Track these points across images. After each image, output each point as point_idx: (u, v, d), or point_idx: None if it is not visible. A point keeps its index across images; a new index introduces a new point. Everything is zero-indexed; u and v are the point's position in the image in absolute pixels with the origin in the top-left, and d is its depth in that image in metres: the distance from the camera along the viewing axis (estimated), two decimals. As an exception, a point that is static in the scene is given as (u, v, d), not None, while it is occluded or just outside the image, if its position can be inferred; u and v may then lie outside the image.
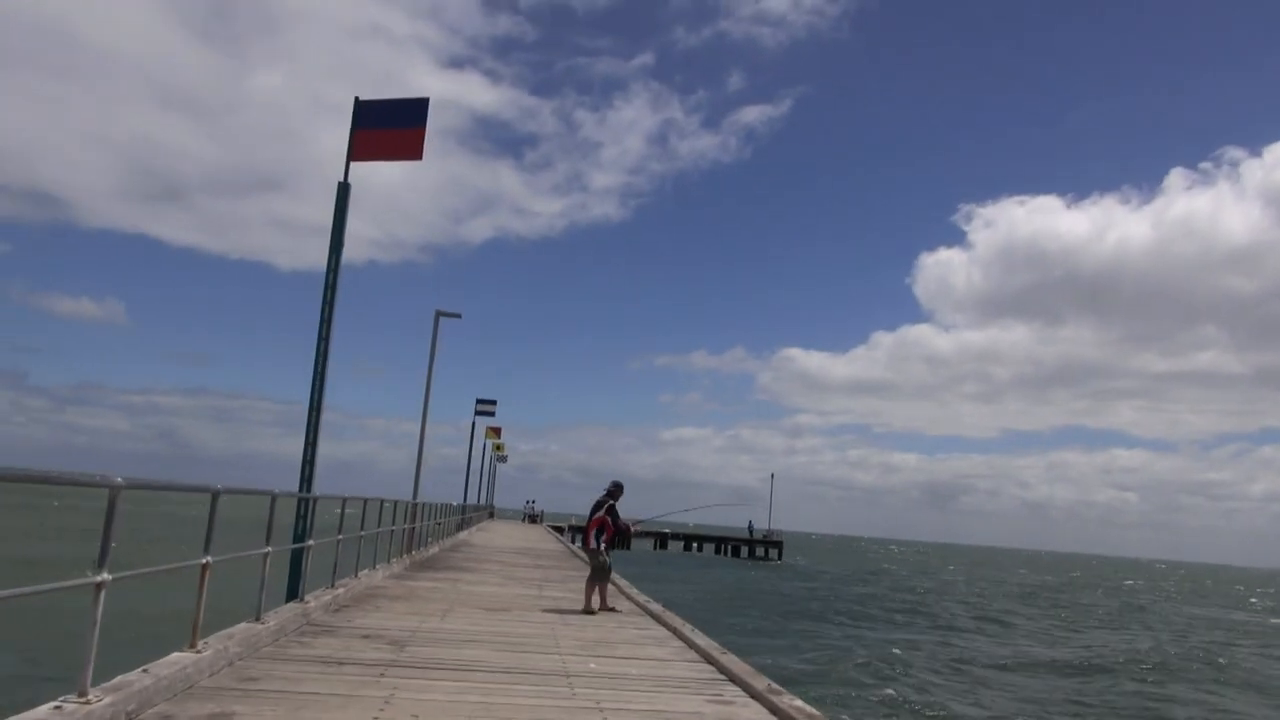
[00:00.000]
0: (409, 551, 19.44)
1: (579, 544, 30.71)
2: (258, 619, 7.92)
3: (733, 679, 7.81)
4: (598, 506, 12.60)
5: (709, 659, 8.81)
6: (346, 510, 13.08)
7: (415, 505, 20.51)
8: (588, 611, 12.10)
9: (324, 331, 10.62)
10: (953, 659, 25.81)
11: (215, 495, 6.45)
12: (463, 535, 34.31)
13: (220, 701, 5.60)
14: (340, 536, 11.31)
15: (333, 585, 11.32)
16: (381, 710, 5.75)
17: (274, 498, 8.10)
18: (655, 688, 7.33)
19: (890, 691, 19.18)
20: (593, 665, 8.12)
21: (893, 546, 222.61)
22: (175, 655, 6.12)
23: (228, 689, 5.97)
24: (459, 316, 22.57)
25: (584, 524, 12.80)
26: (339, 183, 10.66)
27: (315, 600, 10.03)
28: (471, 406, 46.08)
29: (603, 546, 12.47)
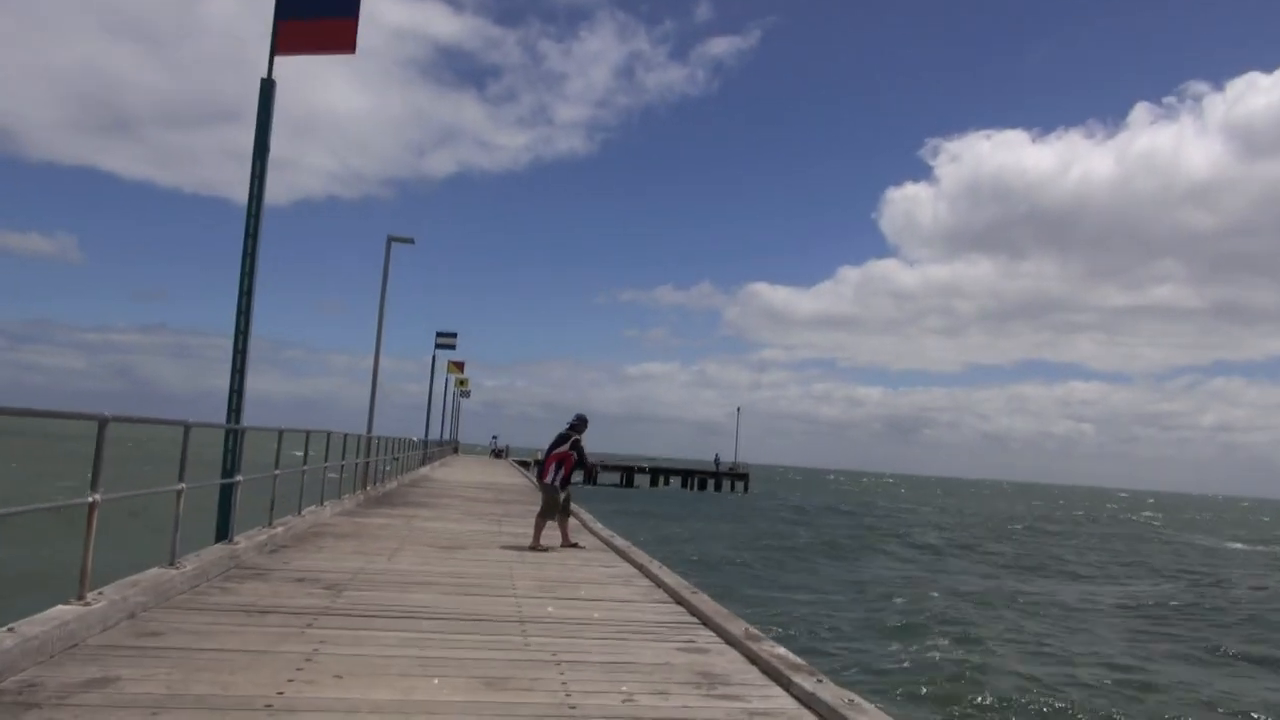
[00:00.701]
0: (364, 487, 18.60)
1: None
2: (171, 563, 7.04)
3: (705, 622, 7.09)
4: (560, 440, 11.80)
5: (679, 599, 8.09)
6: (300, 447, 12.23)
7: (370, 439, 19.60)
8: (535, 548, 11.39)
9: (249, 247, 9.56)
10: (1005, 599, 23.48)
11: (103, 423, 5.51)
12: (424, 470, 33.55)
13: (105, 664, 4.74)
14: (277, 471, 10.41)
15: (270, 524, 10.45)
16: (299, 670, 4.92)
17: (187, 428, 7.16)
18: (618, 634, 6.58)
19: (943, 643, 16.75)
20: (550, 609, 7.37)
21: (864, 479, 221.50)
22: (56, 609, 5.24)
23: (119, 647, 5.10)
24: (411, 241, 21.42)
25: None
26: (262, 79, 9.49)
27: (248, 541, 9.15)
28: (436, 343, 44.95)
29: (558, 482, 11.69)
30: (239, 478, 9.00)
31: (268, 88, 9.49)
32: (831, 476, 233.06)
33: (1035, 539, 49.62)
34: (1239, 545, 55.67)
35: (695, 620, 7.23)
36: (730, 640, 6.39)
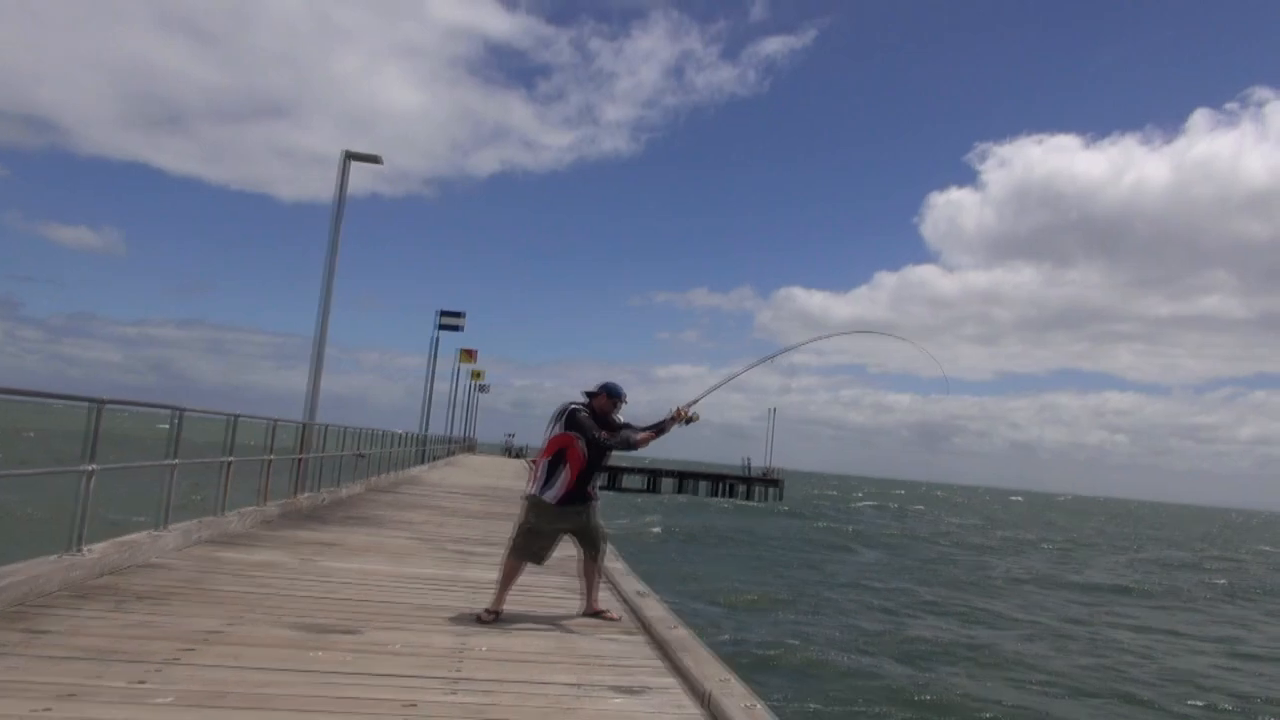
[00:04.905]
0: (295, 494, 13.35)
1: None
2: None
3: None
4: (556, 417, 6.45)
5: None
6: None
7: (307, 428, 14.33)
8: (492, 613, 6.22)
9: None
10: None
11: None
12: (416, 470, 28.30)
13: None
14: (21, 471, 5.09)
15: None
16: None
17: None
18: None
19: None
20: None
21: (899, 490, 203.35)
22: None
23: None
24: (379, 161, 16.19)
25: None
26: None
27: None
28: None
29: (556, 496, 6.34)
30: None
31: None
32: (865, 484, 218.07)
33: None
34: None
35: None
36: None
